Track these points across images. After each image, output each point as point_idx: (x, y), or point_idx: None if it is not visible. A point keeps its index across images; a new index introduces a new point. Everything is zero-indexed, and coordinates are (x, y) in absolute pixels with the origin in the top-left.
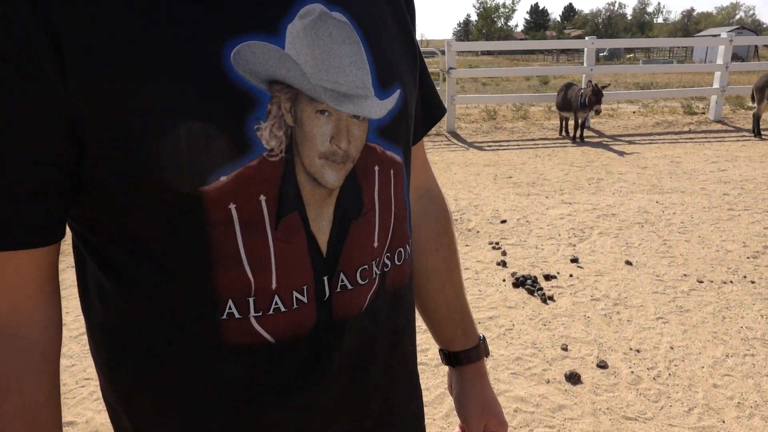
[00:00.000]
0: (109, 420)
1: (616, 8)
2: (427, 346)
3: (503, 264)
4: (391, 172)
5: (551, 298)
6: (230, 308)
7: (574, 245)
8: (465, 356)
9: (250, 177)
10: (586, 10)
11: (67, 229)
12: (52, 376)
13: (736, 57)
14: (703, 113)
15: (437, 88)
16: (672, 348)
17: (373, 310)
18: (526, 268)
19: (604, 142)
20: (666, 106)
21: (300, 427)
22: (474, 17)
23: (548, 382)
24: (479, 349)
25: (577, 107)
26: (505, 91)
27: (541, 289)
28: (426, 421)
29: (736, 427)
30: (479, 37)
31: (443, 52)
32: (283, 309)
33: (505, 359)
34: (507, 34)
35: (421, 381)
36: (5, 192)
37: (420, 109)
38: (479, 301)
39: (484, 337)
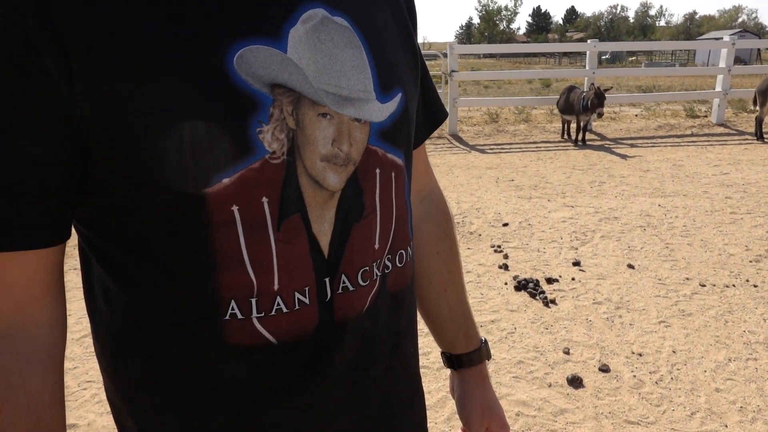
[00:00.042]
0: (111, 423)
1: (618, 11)
2: (428, 350)
3: (505, 267)
4: (393, 174)
5: (553, 301)
6: (233, 309)
7: (576, 248)
8: (467, 359)
9: (252, 179)
10: (589, 13)
11: (72, 232)
12: (57, 375)
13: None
14: (706, 116)
15: (439, 91)
16: (674, 352)
17: (373, 312)
18: (528, 271)
19: (607, 145)
20: (668, 110)
21: (301, 428)
22: (476, 20)
23: (550, 385)
24: (481, 352)
25: (580, 110)
26: (507, 94)
27: (543, 292)
28: (428, 424)
29: None
30: (481, 40)
31: (445, 55)
32: (285, 310)
33: (507, 363)
34: (509, 37)
35: (422, 384)
36: (11, 193)
37: (422, 113)
38: (481, 305)
39: (485, 340)
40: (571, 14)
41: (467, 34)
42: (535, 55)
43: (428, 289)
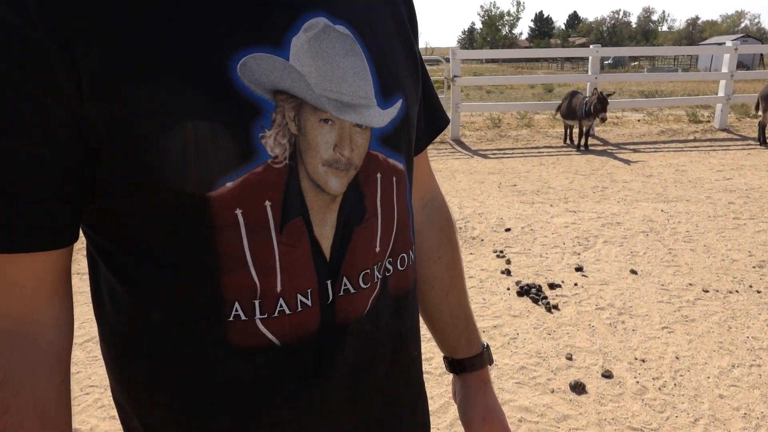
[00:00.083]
0: (113, 427)
1: (620, 16)
2: (431, 355)
3: (507, 272)
4: (394, 179)
5: (556, 307)
6: (236, 310)
7: (579, 254)
8: (468, 364)
9: (255, 183)
10: (591, 18)
11: (79, 235)
12: (64, 374)
13: (741, 65)
14: (708, 122)
15: (442, 96)
16: (677, 358)
17: (374, 314)
18: (531, 276)
19: (609, 150)
20: (671, 115)
21: (303, 429)
22: (478, 25)
23: (553, 391)
24: (483, 357)
25: (582, 115)
26: (510, 99)
27: (545, 297)
28: (431, 430)
29: None
30: (484, 45)
31: (448, 60)
32: (287, 312)
33: (510, 368)
34: (511, 42)
35: (426, 389)
36: (19, 196)
37: (423, 119)
38: (483, 310)
39: (487, 345)
40: (574, 19)
41: (469, 39)
42: (537, 60)
43: (430, 293)
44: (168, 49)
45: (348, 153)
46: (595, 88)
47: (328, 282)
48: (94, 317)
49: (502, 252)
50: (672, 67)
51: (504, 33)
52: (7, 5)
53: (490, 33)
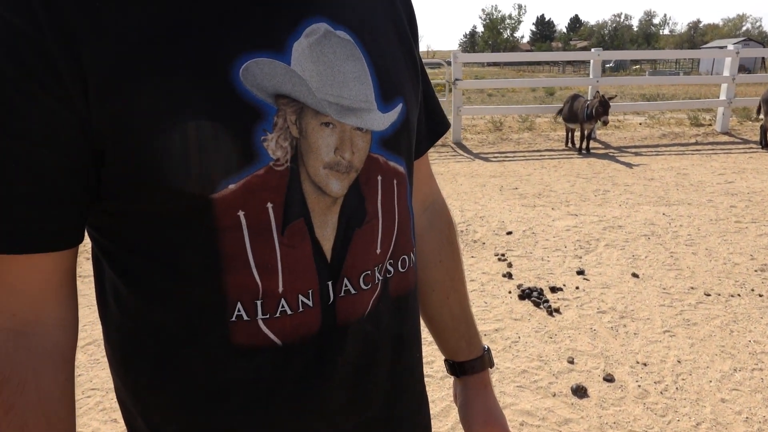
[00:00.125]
0: (115, 430)
1: (622, 20)
2: (432, 358)
3: (509, 276)
4: (395, 182)
5: (557, 310)
6: (239, 310)
7: (581, 257)
8: (469, 366)
9: (257, 185)
10: (592, 22)
11: (84, 237)
12: (68, 373)
13: (742, 69)
14: (710, 125)
15: (443, 99)
16: (679, 362)
17: (375, 315)
18: (532, 280)
19: (611, 154)
20: (672, 118)
21: (305, 429)
22: (480, 28)
23: (554, 395)
24: (483, 360)
25: (584, 118)
26: (511, 102)
27: (547, 301)
28: None
29: None
30: (485, 49)
31: (449, 63)
32: (289, 312)
33: (511, 372)
34: (513, 45)
35: (427, 393)
36: (26, 199)
37: (424, 124)
38: (485, 313)
39: (488, 348)
40: (575, 23)
41: (471, 43)
42: (539, 63)
43: (431, 296)
44: (171, 52)
45: (349, 156)
46: (597, 91)
47: (329, 283)
48: (95, 320)
49: (503, 255)
50: (673, 71)
51: (505, 36)
52: (14, 9)
53: (492, 36)
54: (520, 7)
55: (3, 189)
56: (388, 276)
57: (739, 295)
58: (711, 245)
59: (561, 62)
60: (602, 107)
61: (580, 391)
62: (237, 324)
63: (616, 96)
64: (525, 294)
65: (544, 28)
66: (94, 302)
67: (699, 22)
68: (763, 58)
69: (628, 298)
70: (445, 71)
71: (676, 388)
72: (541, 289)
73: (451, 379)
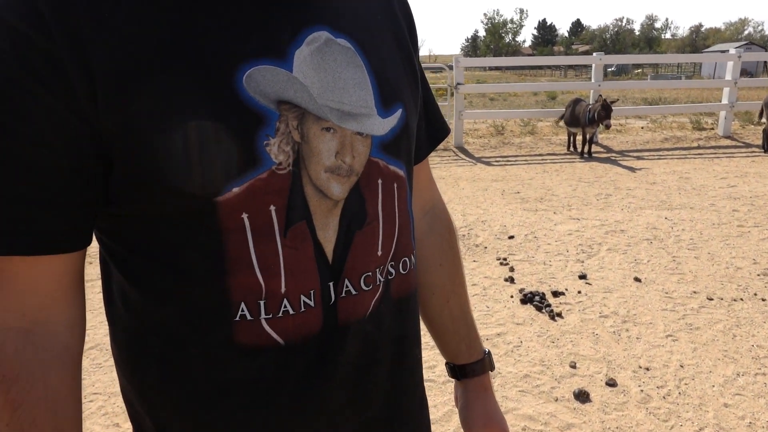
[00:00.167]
0: None
1: (623, 24)
2: (434, 363)
3: (511, 280)
4: (395, 185)
5: (559, 314)
6: (242, 310)
7: (583, 261)
8: (470, 369)
9: (260, 188)
10: (594, 26)
11: (92, 239)
12: (75, 372)
13: (744, 72)
14: (712, 129)
15: (445, 104)
16: (682, 366)
17: (377, 316)
18: (534, 284)
19: (613, 158)
20: (675, 122)
21: (304, 427)
22: (482, 33)
23: (557, 400)
24: (484, 363)
25: (585, 122)
26: (513, 107)
27: (549, 305)
28: None
29: None
30: (487, 53)
31: (451, 68)
32: (291, 312)
33: (513, 377)
34: (515, 49)
35: (428, 398)
36: (36, 202)
37: (424, 129)
38: (487, 318)
39: (489, 352)
40: (577, 27)
41: (473, 47)
42: (540, 67)
43: (431, 300)
44: (178, 60)
45: (349, 160)
46: (600, 95)
47: (331, 284)
48: (97, 324)
49: (505, 259)
50: (675, 75)
51: (507, 41)
52: (26, 19)
53: (494, 41)
54: (521, 11)
55: (15, 193)
56: (389, 278)
57: (741, 299)
58: (713, 249)
59: (563, 66)
60: (605, 111)
61: (582, 396)
62: (240, 324)
63: (617, 100)
64: (527, 298)
65: (545, 33)
66: (96, 306)
67: (701, 26)
68: (765, 62)
69: (630, 302)
70: (447, 75)
71: (679, 393)
72: (543, 294)
73: (452, 384)
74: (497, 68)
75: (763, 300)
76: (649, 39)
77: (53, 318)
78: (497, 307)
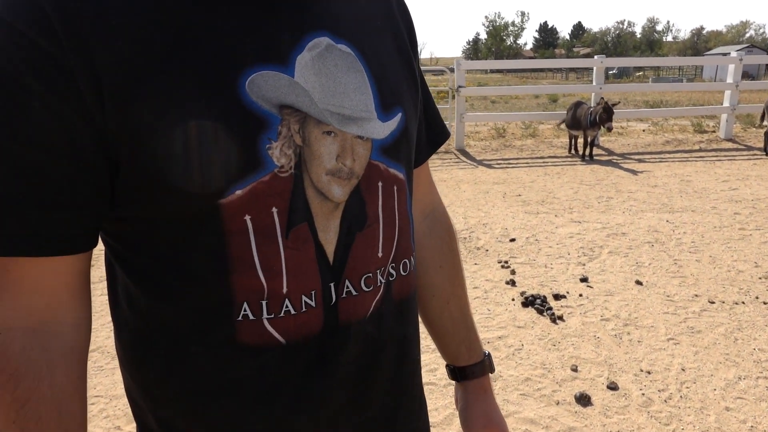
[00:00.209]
0: None
1: (625, 27)
2: (435, 366)
3: (512, 283)
4: (395, 188)
5: (561, 317)
6: (245, 310)
7: (584, 264)
8: (470, 371)
9: (263, 191)
10: (596, 29)
11: (98, 241)
12: (81, 371)
13: (746, 75)
14: (714, 132)
15: (446, 106)
16: (683, 370)
17: (377, 317)
18: (536, 287)
19: (614, 161)
20: (676, 125)
21: (304, 426)
22: (483, 35)
23: (558, 403)
24: (484, 365)
25: (587, 125)
26: (514, 109)
27: (550, 308)
28: None
29: None
30: (488, 56)
31: (452, 71)
32: (293, 312)
33: (515, 380)
34: (516, 52)
35: (429, 401)
36: (43, 204)
37: (424, 133)
38: (488, 321)
39: (489, 354)
40: (578, 30)
41: (474, 50)
42: (542, 70)
43: (431, 302)
44: (182, 64)
45: (350, 163)
46: (601, 98)
47: (332, 284)
48: (98, 327)
49: (506, 262)
50: (677, 78)
51: (509, 43)
52: (34, 25)
53: (495, 43)
54: (523, 14)
55: (23, 195)
56: (390, 279)
57: (743, 302)
58: (715, 252)
59: (564, 69)
60: (606, 114)
61: (583, 399)
62: (243, 323)
63: (619, 102)
64: (528, 301)
65: (547, 35)
66: (97, 309)
67: (702, 28)
68: (766, 64)
69: (631, 305)
70: (448, 78)
71: (681, 397)
72: (545, 297)
73: (453, 388)
74: (498, 71)
75: (765, 303)
76: (651, 42)
77: (59, 318)
78: (498, 310)
